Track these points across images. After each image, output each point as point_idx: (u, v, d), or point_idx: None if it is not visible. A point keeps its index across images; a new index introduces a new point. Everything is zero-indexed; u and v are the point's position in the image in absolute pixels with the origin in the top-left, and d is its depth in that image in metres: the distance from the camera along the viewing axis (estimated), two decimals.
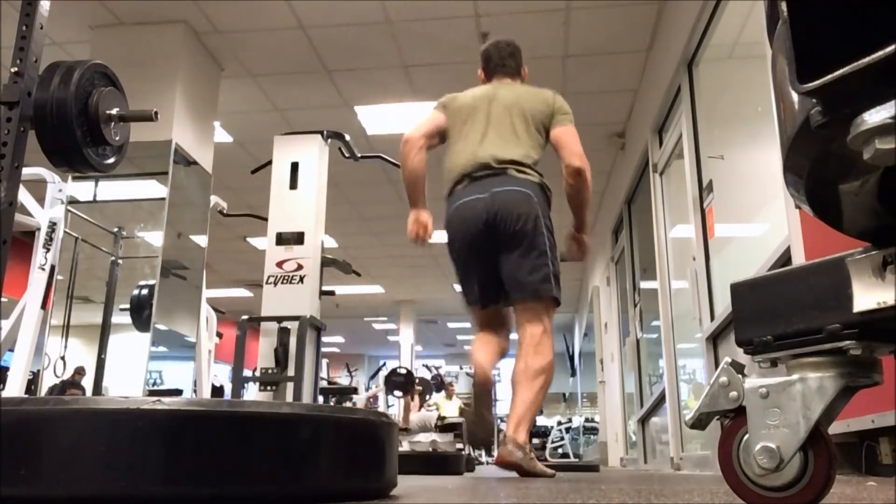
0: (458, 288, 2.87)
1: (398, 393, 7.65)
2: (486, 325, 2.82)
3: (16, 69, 1.56)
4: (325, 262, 4.30)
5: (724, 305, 3.78)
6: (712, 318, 3.94)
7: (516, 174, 2.67)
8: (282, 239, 4.23)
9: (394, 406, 9.31)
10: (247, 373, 4.61)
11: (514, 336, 2.80)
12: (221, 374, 10.41)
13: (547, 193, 2.75)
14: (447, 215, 2.75)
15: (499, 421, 13.32)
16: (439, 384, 10.44)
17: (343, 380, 12.67)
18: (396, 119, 6.46)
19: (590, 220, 2.91)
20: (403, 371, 8.04)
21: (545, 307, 2.65)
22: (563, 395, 19.52)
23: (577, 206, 2.84)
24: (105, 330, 4.60)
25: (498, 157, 2.68)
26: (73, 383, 4.80)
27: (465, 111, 2.86)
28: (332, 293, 4.44)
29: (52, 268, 3.21)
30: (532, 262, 2.62)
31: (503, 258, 2.65)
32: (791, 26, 0.70)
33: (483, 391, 2.73)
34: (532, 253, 2.62)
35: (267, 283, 4.18)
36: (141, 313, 4.53)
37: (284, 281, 4.16)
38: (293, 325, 4.03)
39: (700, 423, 1.00)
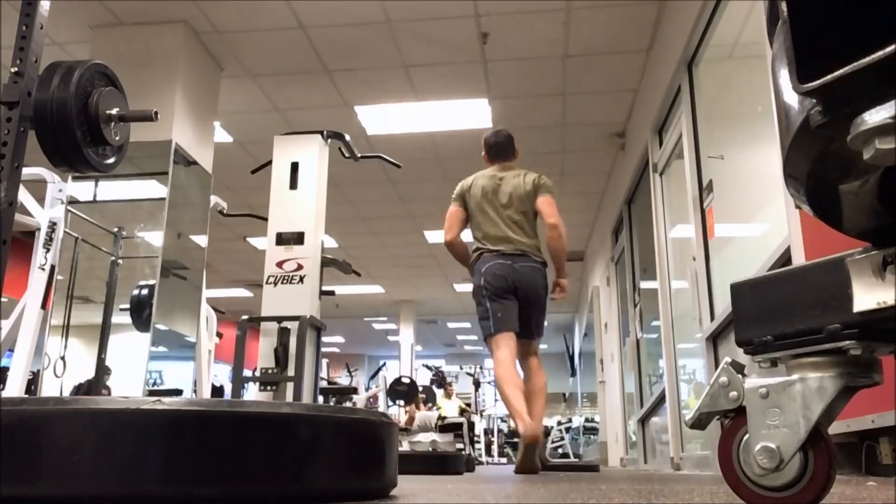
0: (482, 326, 3.77)
1: (401, 402, 7.59)
2: (511, 351, 3.64)
3: (16, 69, 1.55)
4: (325, 262, 4.29)
5: (724, 305, 3.77)
6: (712, 318, 3.94)
7: (530, 254, 3.75)
8: (282, 239, 4.22)
9: (393, 406, 9.30)
10: (247, 373, 4.60)
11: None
12: (221, 374, 10.40)
13: (545, 267, 3.82)
14: (483, 272, 3.71)
15: (499, 421, 13.31)
16: (441, 381, 10.45)
17: (343, 380, 12.66)
18: (396, 119, 6.46)
19: (566, 267, 3.91)
20: (407, 381, 7.99)
21: (538, 343, 3.85)
22: (563, 395, 19.51)
23: (555, 254, 3.83)
24: (105, 330, 4.59)
25: (518, 241, 3.74)
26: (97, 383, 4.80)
27: (479, 194, 3.83)
28: (332, 293, 4.43)
29: (52, 268, 3.21)
30: (540, 316, 3.80)
31: (521, 310, 3.70)
32: (791, 26, 0.70)
33: (532, 444, 3.45)
34: (541, 311, 3.80)
35: (267, 283, 4.17)
36: (141, 313, 4.53)
37: (284, 281, 4.15)
38: (293, 325, 4.02)
39: (700, 423, 1.01)
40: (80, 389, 4.50)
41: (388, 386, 8.16)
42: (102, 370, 4.51)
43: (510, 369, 3.59)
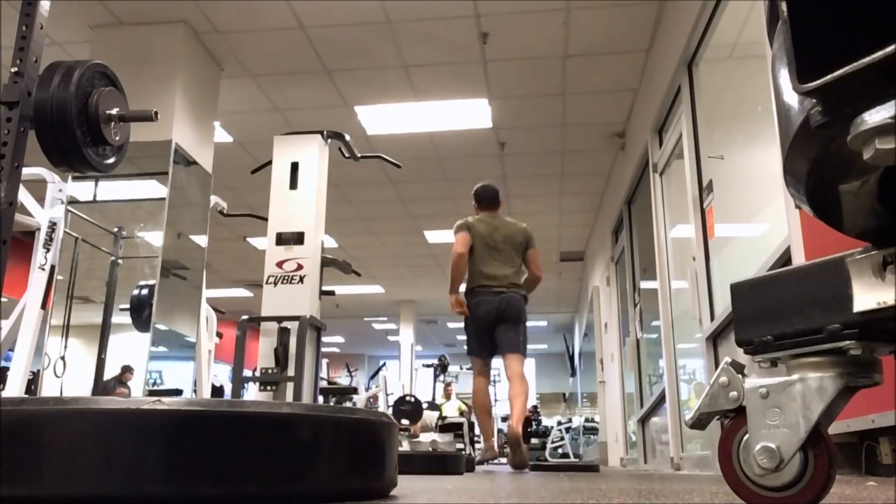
0: (467, 346, 4.74)
1: (406, 422, 7.54)
2: (483, 369, 4.69)
3: (16, 69, 1.55)
4: (325, 262, 4.29)
5: (724, 305, 3.77)
6: (712, 318, 3.94)
7: (514, 290, 4.58)
8: (282, 239, 4.22)
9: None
10: (247, 373, 4.60)
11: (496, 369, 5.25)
12: (221, 374, 10.40)
13: (525, 300, 4.65)
14: (472, 305, 4.56)
15: (500, 421, 13.35)
16: (443, 368, 10.46)
17: (343, 380, 12.64)
18: (396, 119, 6.46)
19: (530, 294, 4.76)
20: (412, 399, 7.96)
21: (522, 359, 4.55)
22: (563, 395, 19.50)
23: (530, 288, 4.74)
24: (105, 330, 4.59)
25: (506, 280, 4.56)
26: (121, 382, 4.80)
27: (479, 235, 4.60)
28: (332, 293, 4.43)
29: (52, 268, 3.21)
30: (519, 337, 4.55)
31: (502, 332, 4.54)
32: (791, 26, 0.70)
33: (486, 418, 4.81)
34: (519, 333, 4.56)
35: (267, 283, 4.17)
36: (141, 313, 4.53)
37: (284, 281, 4.15)
38: (293, 325, 4.01)
39: (700, 423, 1.01)
40: (105, 388, 4.49)
41: (391, 405, 8.13)
42: (102, 370, 4.51)
43: (482, 390, 4.69)
